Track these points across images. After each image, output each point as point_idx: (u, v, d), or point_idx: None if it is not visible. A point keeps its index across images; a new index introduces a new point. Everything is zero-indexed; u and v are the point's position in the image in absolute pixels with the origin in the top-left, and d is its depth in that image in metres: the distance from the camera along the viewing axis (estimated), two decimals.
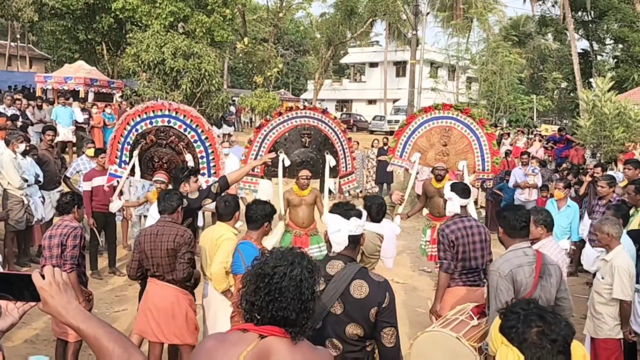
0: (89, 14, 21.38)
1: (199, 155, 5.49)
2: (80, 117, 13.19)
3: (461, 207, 3.99)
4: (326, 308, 2.23)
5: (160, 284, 3.68)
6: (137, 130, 5.38)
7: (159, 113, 5.34)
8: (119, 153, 5.47)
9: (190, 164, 5.30)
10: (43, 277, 1.26)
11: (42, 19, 22.53)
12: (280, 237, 5.39)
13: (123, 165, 5.51)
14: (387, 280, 2.37)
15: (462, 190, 4.03)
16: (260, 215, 3.52)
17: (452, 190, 4.03)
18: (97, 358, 1.29)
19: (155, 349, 3.81)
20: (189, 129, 5.39)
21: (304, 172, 5.59)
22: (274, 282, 1.60)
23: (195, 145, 5.44)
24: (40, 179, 6.51)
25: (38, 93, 17.01)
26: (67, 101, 13.64)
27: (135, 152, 5.36)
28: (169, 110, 5.34)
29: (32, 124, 11.41)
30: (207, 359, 1.58)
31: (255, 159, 6.07)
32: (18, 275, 1.29)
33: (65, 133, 12.45)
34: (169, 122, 5.35)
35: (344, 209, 2.44)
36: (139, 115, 5.35)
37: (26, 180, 6.25)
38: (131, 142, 5.43)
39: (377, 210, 3.91)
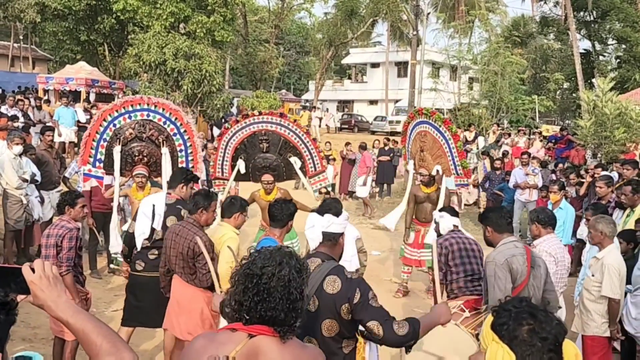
0: (90, 15, 21.44)
1: (177, 149, 5.46)
2: (83, 117, 13.24)
3: (455, 226, 4.23)
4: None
5: (180, 280, 3.70)
6: (114, 125, 5.24)
7: (138, 107, 5.26)
8: (93, 152, 5.27)
9: (167, 157, 5.31)
10: (33, 270, 1.26)
11: (44, 20, 22.60)
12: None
13: (98, 164, 5.31)
14: (362, 279, 2.37)
15: (451, 210, 4.40)
16: (285, 214, 3.59)
17: (441, 210, 4.36)
18: (87, 352, 1.30)
19: (181, 344, 3.83)
20: (168, 122, 5.36)
21: (266, 177, 5.75)
22: (263, 283, 1.59)
23: (174, 138, 5.42)
24: (38, 178, 6.53)
25: (40, 94, 17.06)
26: (70, 102, 13.69)
27: (117, 148, 5.21)
28: (148, 104, 5.29)
29: (34, 125, 11.46)
30: (196, 358, 1.59)
31: (221, 165, 6.35)
32: (9, 269, 1.29)
33: (68, 134, 12.51)
34: (148, 115, 5.29)
35: (320, 210, 2.55)
36: (117, 110, 5.23)
37: (26, 181, 6.28)
38: (108, 138, 5.26)
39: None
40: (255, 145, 6.14)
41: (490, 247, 3.45)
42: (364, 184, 11.89)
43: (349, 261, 3.92)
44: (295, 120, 6.44)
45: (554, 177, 9.62)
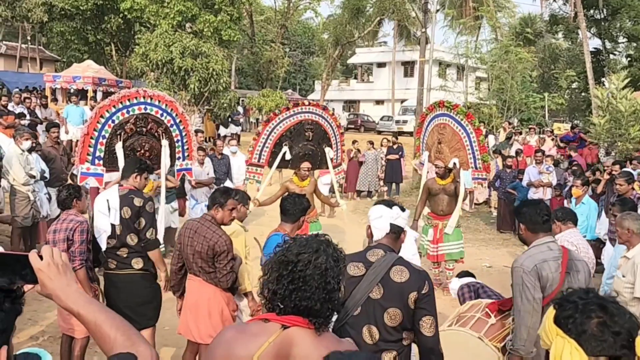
0: (97, 14, 21.52)
1: (175, 139, 5.54)
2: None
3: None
4: (366, 293, 2.27)
5: (197, 280, 3.55)
6: (113, 121, 5.17)
7: (135, 101, 5.24)
8: (91, 149, 5.15)
9: (166, 150, 5.37)
10: (41, 257, 1.16)
11: (52, 20, 22.66)
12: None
13: (97, 161, 5.20)
14: (427, 272, 2.39)
15: (466, 274, 4.13)
16: (298, 209, 3.53)
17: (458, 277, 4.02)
18: (99, 345, 1.19)
19: (193, 347, 3.72)
20: (165, 114, 5.41)
21: (306, 164, 5.91)
22: (298, 270, 1.50)
23: (172, 129, 5.48)
24: (47, 175, 6.45)
25: (47, 92, 17.07)
26: (79, 100, 13.66)
27: (119, 144, 5.14)
28: (144, 97, 5.28)
29: (41, 122, 11.41)
30: (226, 350, 1.48)
31: (260, 151, 6.51)
32: (14, 256, 1.18)
33: (75, 132, 12.44)
34: (145, 109, 5.29)
35: (387, 202, 2.63)
36: (114, 106, 5.17)
37: (33, 177, 6.19)
38: (107, 135, 5.17)
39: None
40: (300, 134, 6.42)
41: (526, 245, 3.14)
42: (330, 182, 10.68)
43: (410, 259, 3.81)
44: (333, 114, 6.88)
45: (567, 176, 9.46)
